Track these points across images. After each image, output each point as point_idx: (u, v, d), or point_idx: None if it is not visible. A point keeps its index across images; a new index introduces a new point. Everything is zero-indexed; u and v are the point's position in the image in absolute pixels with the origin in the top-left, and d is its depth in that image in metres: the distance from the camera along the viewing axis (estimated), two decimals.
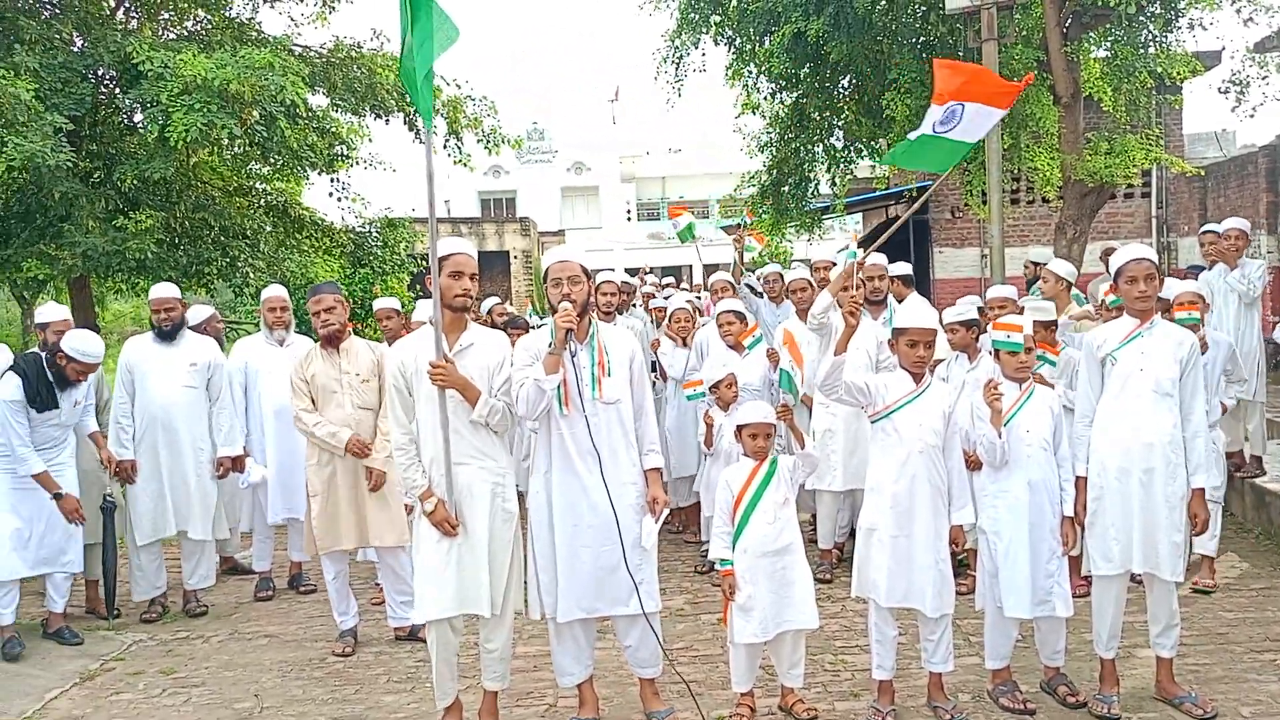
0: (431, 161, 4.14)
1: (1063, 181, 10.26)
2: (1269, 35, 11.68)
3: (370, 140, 11.54)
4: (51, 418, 5.62)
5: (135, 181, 9.07)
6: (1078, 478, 4.40)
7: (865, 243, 16.73)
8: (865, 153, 13.17)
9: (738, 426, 4.50)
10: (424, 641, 5.42)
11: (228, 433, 6.36)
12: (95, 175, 9.68)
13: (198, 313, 7.04)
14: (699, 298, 10.11)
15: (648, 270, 15.14)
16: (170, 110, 8.24)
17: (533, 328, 7.66)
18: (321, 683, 5.11)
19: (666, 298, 10.63)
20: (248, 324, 20.60)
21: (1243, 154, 16.00)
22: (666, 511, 4.40)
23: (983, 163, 10.49)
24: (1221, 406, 5.88)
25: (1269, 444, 7.39)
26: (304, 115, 9.40)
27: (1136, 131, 10.63)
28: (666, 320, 7.55)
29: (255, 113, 8.45)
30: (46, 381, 5.56)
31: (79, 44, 9.68)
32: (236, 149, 10.12)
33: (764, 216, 13.57)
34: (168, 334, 6.24)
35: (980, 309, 6.26)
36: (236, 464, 6.46)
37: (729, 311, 6.71)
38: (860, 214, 22.76)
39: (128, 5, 10.59)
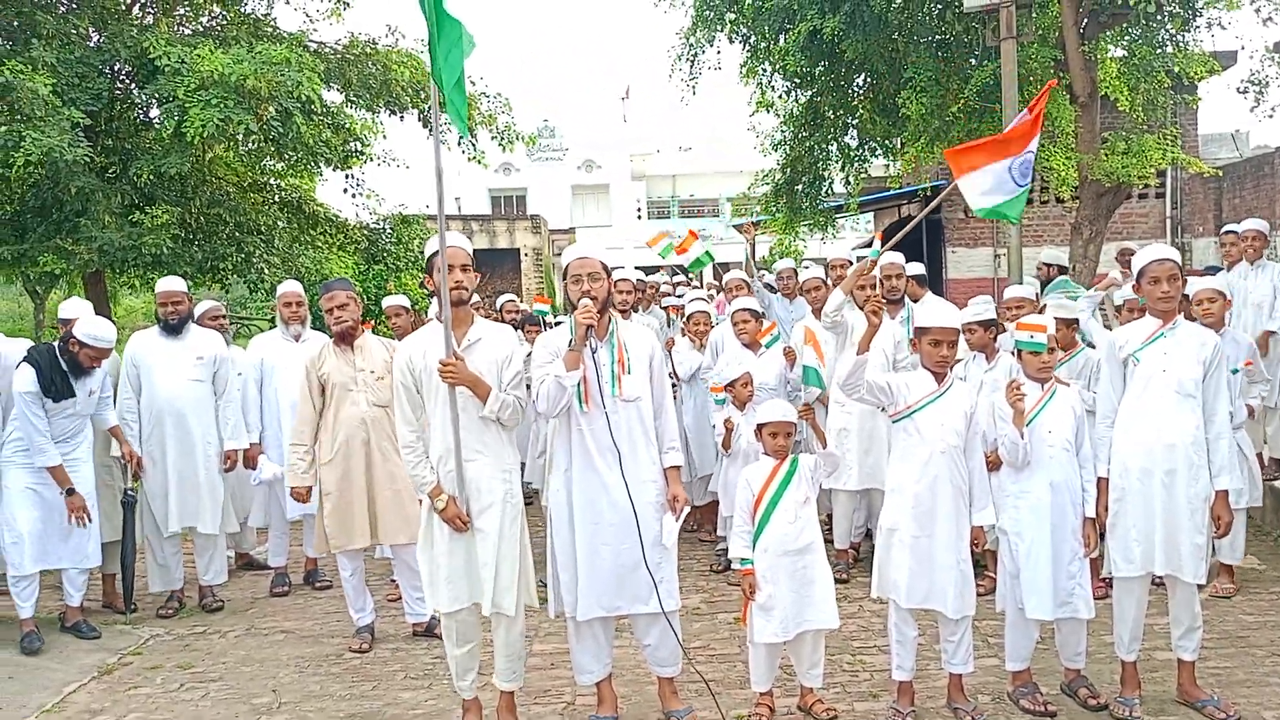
0: (440, 160, 4.12)
1: (1079, 181, 10.23)
2: None
3: (385, 137, 11.55)
4: (67, 407, 5.62)
5: (151, 177, 9.09)
6: (1099, 479, 4.38)
7: (882, 241, 16.68)
8: (879, 152, 13.16)
9: (758, 425, 4.49)
10: (440, 638, 5.47)
11: (234, 426, 6.37)
12: (111, 170, 9.70)
13: (198, 307, 7.01)
14: (711, 296, 10.09)
15: (671, 272, 15.13)
16: (187, 105, 8.25)
17: (548, 325, 7.66)
18: (339, 678, 5.11)
19: (679, 295, 10.62)
20: (259, 320, 20.64)
21: (1259, 155, 15.94)
22: (687, 510, 4.39)
23: None
24: (1248, 409, 5.83)
25: None
26: (319, 111, 9.41)
27: (1154, 131, 10.56)
28: (684, 320, 7.52)
29: (271, 108, 8.44)
30: (60, 370, 5.57)
31: (95, 39, 9.69)
32: (251, 145, 10.11)
33: (777, 215, 13.55)
34: (174, 327, 6.24)
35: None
36: (248, 459, 6.47)
37: (744, 310, 6.70)
38: (872, 213, 22.68)
39: (143, 0, 10.60)
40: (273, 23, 10.94)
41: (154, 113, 9.83)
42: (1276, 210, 14.19)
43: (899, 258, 6.51)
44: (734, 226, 20.45)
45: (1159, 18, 9.89)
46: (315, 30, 11.08)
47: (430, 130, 11.29)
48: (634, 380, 4.26)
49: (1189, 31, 10.29)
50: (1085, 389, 5.21)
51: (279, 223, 11.12)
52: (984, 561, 5.81)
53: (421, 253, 12.48)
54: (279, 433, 6.57)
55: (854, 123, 12.53)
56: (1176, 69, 10.39)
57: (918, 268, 6.93)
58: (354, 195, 11.90)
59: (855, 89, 12.26)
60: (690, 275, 13.64)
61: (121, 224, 9.05)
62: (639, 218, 43.10)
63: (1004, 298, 6.68)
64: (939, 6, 11.00)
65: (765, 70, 12.08)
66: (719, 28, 11.58)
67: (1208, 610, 5.17)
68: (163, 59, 8.53)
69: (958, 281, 17.09)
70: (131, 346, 6.27)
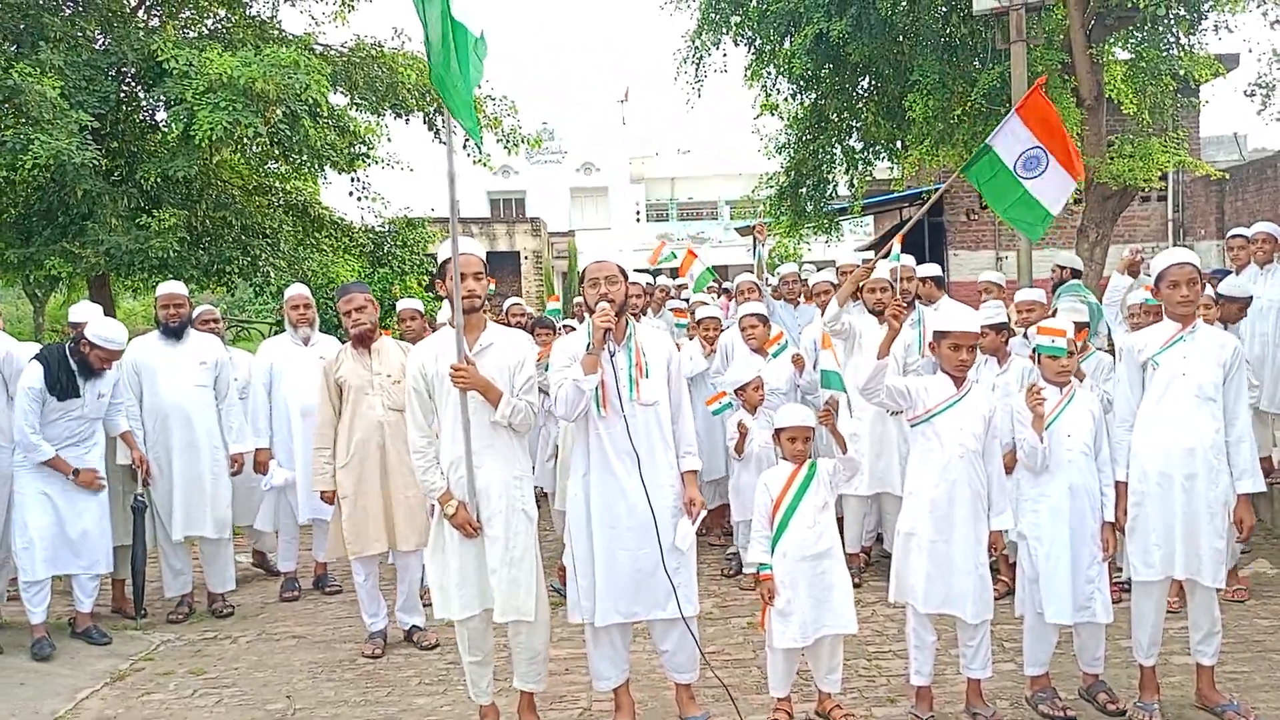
0: (453, 164, 4.12)
1: (1084, 185, 10.22)
2: None
3: (389, 140, 11.54)
4: (73, 407, 5.59)
5: (158, 179, 9.06)
6: (1118, 483, 4.37)
7: (878, 246, 16.66)
8: (884, 154, 13.16)
9: (776, 429, 4.48)
10: (418, 645, 5.52)
11: (238, 430, 6.36)
12: (117, 173, 9.68)
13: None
14: (717, 295, 10.07)
15: (672, 274, 15.11)
16: (195, 108, 8.24)
17: (558, 328, 7.64)
18: (353, 684, 5.09)
19: (686, 300, 10.60)
20: (259, 323, 20.61)
21: (1261, 158, 15.96)
22: (704, 514, 4.38)
23: None
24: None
25: None
26: (325, 114, 9.39)
27: (1160, 134, 10.57)
28: (695, 324, 7.49)
29: (279, 111, 8.43)
30: (68, 369, 5.55)
31: (102, 42, 9.67)
32: (258, 148, 10.10)
33: (782, 218, 13.55)
34: (175, 331, 6.21)
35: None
36: (258, 464, 6.44)
37: (752, 315, 6.69)
38: (872, 216, 22.68)
39: (149, 3, 10.59)
40: (278, 25, 10.93)
41: (160, 116, 9.82)
42: None
43: (909, 261, 6.50)
44: (747, 228, 20.41)
45: (1166, 20, 9.89)
46: (324, 33, 11.07)
47: (435, 134, 11.41)
48: (652, 384, 4.25)
49: (1195, 34, 10.30)
50: (1094, 387, 5.20)
51: (284, 226, 11.09)
52: (996, 565, 5.79)
53: (429, 256, 12.52)
54: (288, 437, 6.54)
55: (858, 126, 12.54)
56: (1182, 71, 10.41)
57: (934, 269, 6.92)
58: (359, 198, 11.89)
59: (860, 92, 12.26)
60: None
61: (128, 227, 9.04)
62: (638, 220, 43.07)
63: (1015, 300, 6.68)
64: (943, 9, 11.00)
65: (770, 73, 12.08)
66: (724, 30, 11.58)
67: (1222, 614, 5.17)
68: (171, 62, 8.52)
69: (960, 284, 17.05)
70: (132, 352, 6.20)
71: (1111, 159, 9.79)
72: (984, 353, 5.80)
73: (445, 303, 6.94)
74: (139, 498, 5.97)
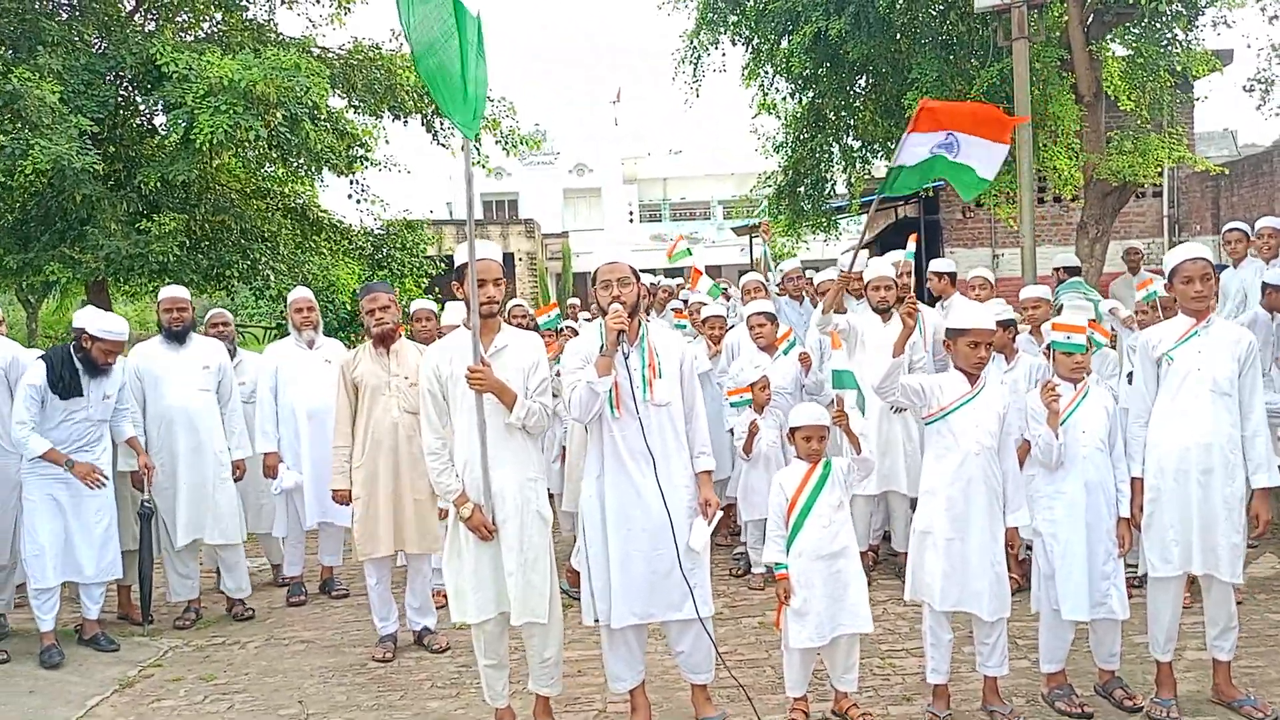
0: (470, 169, 4.11)
1: (1084, 181, 10.25)
2: None
3: (387, 142, 11.51)
4: (77, 407, 5.54)
5: (157, 184, 9.02)
6: (1133, 479, 4.36)
7: (871, 245, 16.69)
8: (881, 153, 13.16)
9: (791, 428, 4.46)
10: (429, 649, 5.50)
11: (239, 435, 6.33)
12: (115, 178, 9.63)
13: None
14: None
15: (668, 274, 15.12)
16: (196, 112, 8.20)
17: (563, 330, 7.61)
18: (364, 689, 5.07)
19: (684, 299, 10.59)
20: (253, 327, 20.55)
21: (1256, 153, 16.01)
22: (720, 514, 4.36)
23: (1003, 161, 10.47)
24: None
25: None
26: (324, 116, 9.36)
27: (1159, 130, 10.59)
28: (701, 323, 7.47)
29: (279, 114, 8.39)
30: (72, 368, 5.53)
31: (100, 46, 9.62)
32: (257, 151, 10.07)
33: (780, 217, 13.55)
34: (178, 335, 6.18)
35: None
36: (267, 468, 6.41)
37: (760, 314, 6.67)
38: (863, 216, 22.68)
39: (145, 7, 10.54)
40: (275, 28, 10.89)
41: (159, 120, 9.77)
42: (1275, 208, 14.24)
43: (905, 263, 6.50)
44: (747, 227, 20.38)
45: (1165, 16, 9.91)
46: (323, 35, 11.05)
47: (433, 136, 11.38)
48: (665, 385, 4.23)
49: (1193, 30, 10.32)
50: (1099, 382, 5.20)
51: (283, 229, 11.06)
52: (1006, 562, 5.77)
53: (427, 258, 12.49)
54: (295, 441, 6.51)
55: (855, 124, 12.54)
56: (1179, 67, 10.43)
57: (949, 265, 6.93)
58: (358, 201, 11.85)
59: (857, 90, 12.27)
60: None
61: (128, 232, 8.99)
62: (631, 221, 43.08)
63: (1020, 297, 6.68)
64: (942, 7, 11.02)
65: (767, 72, 12.09)
66: (722, 30, 11.57)
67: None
68: (170, 65, 8.48)
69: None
70: (135, 357, 6.17)
71: (1111, 155, 9.81)
72: (993, 350, 5.79)
73: (447, 306, 6.95)
74: (145, 504, 5.92)
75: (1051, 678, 4.45)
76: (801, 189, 13.10)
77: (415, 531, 5.37)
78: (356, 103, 10.57)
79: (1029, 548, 4.74)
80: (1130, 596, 4.79)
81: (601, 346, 4.09)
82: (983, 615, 4.21)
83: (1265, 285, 6.42)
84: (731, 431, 6.48)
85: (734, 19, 11.44)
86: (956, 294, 6.77)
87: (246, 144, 8.57)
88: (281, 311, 11.52)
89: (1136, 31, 10.59)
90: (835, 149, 12.77)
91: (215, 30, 10.79)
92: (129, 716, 4.86)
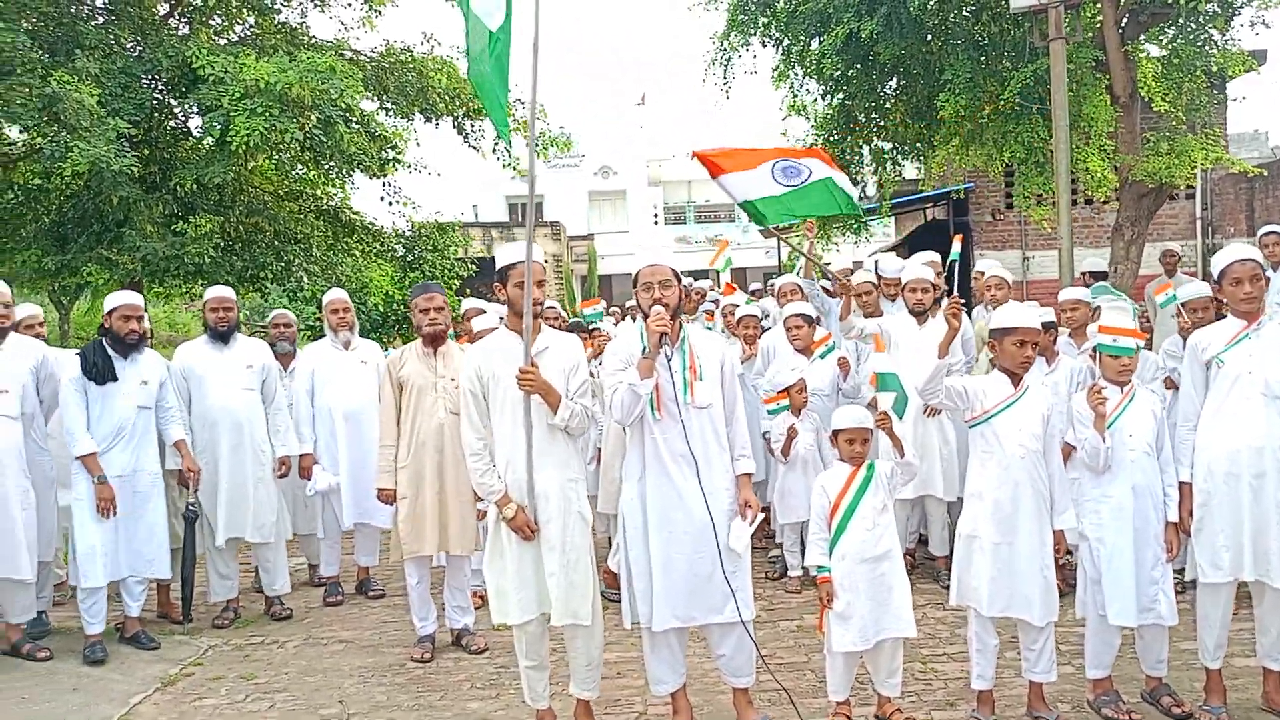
0: (534, 169, 4.12)
1: (1119, 183, 10.15)
2: None
3: (418, 144, 11.55)
4: (113, 393, 5.59)
5: (192, 186, 9.09)
6: (1181, 483, 4.31)
7: (899, 248, 16.60)
8: (912, 154, 13.11)
9: (834, 431, 4.44)
10: (466, 649, 5.51)
11: (284, 434, 6.35)
12: (151, 180, 9.72)
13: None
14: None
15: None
16: (232, 114, 8.26)
17: (589, 332, 7.60)
18: (404, 689, 5.08)
19: (714, 301, 10.58)
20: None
21: None
22: (761, 517, 4.34)
23: (1036, 163, 10.41)
24: None
25: None
26: (357, 119, 9.41)
27: (1194, 132, 10.49)
28: (735, 324, 7.46)
29: (314, 116, 8.43)
30: (104, 353, 5.61)
31: (136, 49, 9.71)
32: (290, 153, 10.13)
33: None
34: (223, 335, 6.22)
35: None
36: (302, 470, 6.44)
37: (797, 315, 6.65)
38: (893, 217, 22.59)
39: (179, 10, 10.63)
40: (308, 31, 10.95)
41: (194, 122, 9.86)
42: None
43: (929, 270, 6.48)
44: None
45: (1202, 16, 9.82)
46: (358, 38, 11.13)
47: (464, 138, 11.41)
48: (706, 387, 4.22)
49: (1229, 30, 10.22)
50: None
51: (315, 231, 11.12)
52: None
53: (458, 260, 12.52)
54: (331, 442, 6.54)
55: (886, 126, 12.49)
56: (1215, 67, 10.32)
57: (996, 267, 6.90)
58: (390, 203, 11.90)
59: (888, 92, 12.22)
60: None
61: (164, 233, 9.06)
62: (656, 223, 43.07)
63: (1059, 300, 6.62)
64: (974, 8, 10.95)
65: (797, 74, 12.06)
66: (752, 31, 11.55)
67: None
68: (206, 68, 8.54)
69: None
70: (180, 358, 6.23)
71: (1147, 157, 9.72)
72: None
73: (466, 307, 7.01)
74: (191, 506, 5.94)
75: (1097, 684, 4.40)
76: None
77: (459, 532, 5.37)
78: (388, 105, 10.61)
79: (1069, 552, 4.69)
80: (1179, 602, 4.74)
81: (643, 348, 4.08)
82: (1033, 620, 4.17)
83: None
84: (766, 436, 6.46)
85: (765, 20, 11.42)
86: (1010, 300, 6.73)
87: (282, 146, 8.63)
88: (314, 314, 11.59)
89: (1172, 31, 10.50)
90: (866, 151, 12.72)
91: (248, 33, 10.87)
92: (171, 714, 4.88)
